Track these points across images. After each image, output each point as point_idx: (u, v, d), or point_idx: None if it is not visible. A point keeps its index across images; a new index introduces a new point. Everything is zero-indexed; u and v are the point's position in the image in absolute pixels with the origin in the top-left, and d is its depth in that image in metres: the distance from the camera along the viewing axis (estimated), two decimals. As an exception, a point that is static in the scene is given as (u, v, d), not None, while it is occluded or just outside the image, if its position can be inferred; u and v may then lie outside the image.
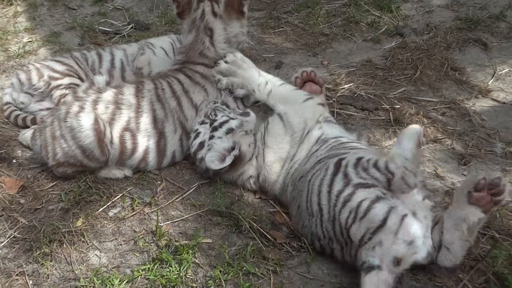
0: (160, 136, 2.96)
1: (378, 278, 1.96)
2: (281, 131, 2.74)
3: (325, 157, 2.48)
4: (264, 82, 2.92)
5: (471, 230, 2.03)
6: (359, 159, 2.20)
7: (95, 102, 2.88)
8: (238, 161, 2.71)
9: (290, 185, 2.63)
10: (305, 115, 2.76)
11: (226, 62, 3.04)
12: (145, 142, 2.92)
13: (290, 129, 2.73)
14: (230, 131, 2.79)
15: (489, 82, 3.75)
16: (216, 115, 2.87)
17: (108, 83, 3.26)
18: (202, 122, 2.89)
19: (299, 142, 2.71)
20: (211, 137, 2.79)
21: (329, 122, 2.85)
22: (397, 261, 1.98)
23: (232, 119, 2.86)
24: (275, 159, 2.73)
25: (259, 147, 2.78)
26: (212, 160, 2.66)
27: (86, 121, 2.74)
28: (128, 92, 2.97)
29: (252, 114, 2.90)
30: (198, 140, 2.84)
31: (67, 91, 3.41)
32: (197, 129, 2.88)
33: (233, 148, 2.69)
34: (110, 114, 2.87)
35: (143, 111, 2.93)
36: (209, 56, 3.11)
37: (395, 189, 2.13)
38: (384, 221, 1.99)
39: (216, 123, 2.83)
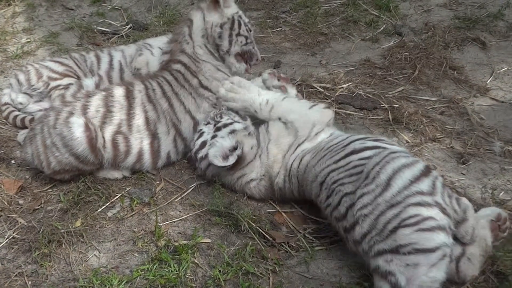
0: (153, 137, 2.94)
1: None
2: (282, 130, 2.76)
3: (380, 139, 2.50)
4: (265, 100, 2.89)
5: (488, 249, 2.21)
6: (445, 184, 2.24)
7: (85, 107, 2.84)
8: (239, 161, 2.69)
9: (307, 156, 2.61)
10: (312, 118, 2.75)
11: (225, 89, 3.02)
12: (138, 144, 2.90)
13: (293, 129, 2.73)
14: (232, 132, 2.78)
15: (488, 81, 3.75)
16: (221, 117, 2.89)
17: (97, 86, 3.22)
18: (207, 123, 2.91)
19: (304, 138, 2.71)
20: (214, 137, 2.78)
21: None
22: None
23: (237, 122, 2.88)
24: (277, 152, 2.73)
25: (263, 147, 2.77)
26: (216, 156, 2.62)
27: (76, 128, 2.67)
28: (118, 94, 2.94)
29: (248, 119, 2.95)
30: (200, 140, 2.84)
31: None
32: (201, 129, 2.90)
33: (235, 148, 2.66)
34: (101, 118, 2.84)
35: (135, 112, 2.91)
36: (188, 52, 3.10)
37: (460, 233, 2.18)
38: (434, 250, 2.00)
39: (220, 124, 2.84)
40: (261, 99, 2.91)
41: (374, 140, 2.49)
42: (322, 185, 2.44)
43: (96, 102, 2.87)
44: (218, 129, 2.82)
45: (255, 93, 2.96)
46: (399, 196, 2.09)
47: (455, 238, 2.15)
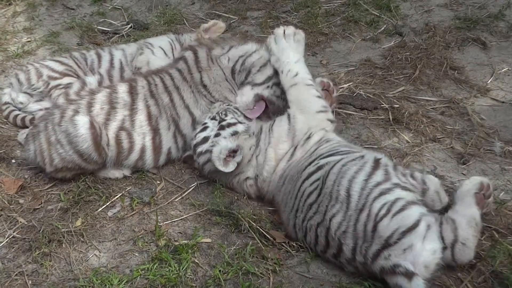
0: (155, 132, 2.95)
1: (420, 284, 1.98)
2: (284, 133, 2.75)
3: (336, 151, 2.50)
4: (294, 73, 2.89)
5: (479, 226, 2.20)
6: (396, 165, 2.35)
7: (90, 104, 2.85)
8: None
9: (286, 182, 2.61)
10: (311, 124, 2.76)
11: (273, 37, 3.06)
12: (140, 140, 2.91)
13: (293, 131, 2.74)
14: (235, 133, 2.79)
15: (488, 81, 3.75)
16: (226, 115, 2.89)
17: (100, 83, 3.22)
18: (213, 118, 2.90)
19: (297, 144, 2.72)
20: (217, 135, 2.79)
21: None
22: (425, 267, 2.04)
23: (240, 123, 2.88)
24: (273, 157, 2.73)
25: (262, 147, 2.77)
26: (219, 158, 2.62)
27: (82, 125, 2.69)
28: (122, 90, 2.96)
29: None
30: (203, 134, 2.84)
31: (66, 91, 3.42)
32: (205, 123, 2.90)
33: (235, 151, 2.66)
34: (105, 115, 2.85)
35: (138, 108, 2.93)
36: (212, 52, 3.11)
37: (428, 203, 2.30)
38: (417, 224, 2.05)
39: (224, 123, 2.84)
40: (291, 67, 2.92)
41: (326, 157, 2.48)
42: (295, 227, 2.46)
43: (101, 100, 2.89)
44: (222, 127, 2.82)
45: (292, 57, 2.95)
46: (362, 198, 2.16)
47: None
